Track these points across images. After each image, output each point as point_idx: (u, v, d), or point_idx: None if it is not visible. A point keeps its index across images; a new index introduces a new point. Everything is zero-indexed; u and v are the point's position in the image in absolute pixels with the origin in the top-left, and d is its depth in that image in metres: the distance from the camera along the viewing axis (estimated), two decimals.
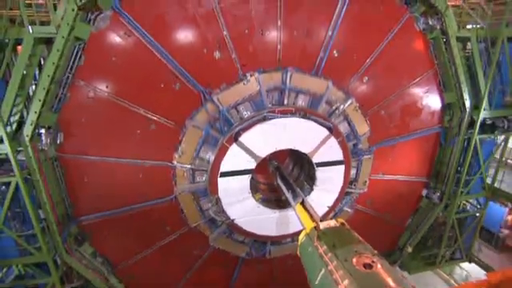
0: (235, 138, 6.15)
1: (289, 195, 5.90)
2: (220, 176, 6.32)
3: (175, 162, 6.43)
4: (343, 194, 7.33)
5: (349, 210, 7.94)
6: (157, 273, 7.44)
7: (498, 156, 9.25)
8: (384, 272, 3.01)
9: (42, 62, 5.96)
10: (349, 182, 7.37)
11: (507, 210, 14.02)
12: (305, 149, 6.66)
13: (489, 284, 4.99)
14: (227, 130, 6.35)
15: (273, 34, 6.23)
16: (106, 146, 6.19)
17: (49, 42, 5.50)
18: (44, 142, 5.59)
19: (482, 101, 7.66)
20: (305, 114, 6.43)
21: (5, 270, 6.37)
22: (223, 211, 6.63)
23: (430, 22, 6.95)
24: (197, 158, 6.49)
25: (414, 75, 7.38)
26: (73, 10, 5.19)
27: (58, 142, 5.87)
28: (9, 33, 5.24)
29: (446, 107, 7.87)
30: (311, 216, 4.53)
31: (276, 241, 7.67)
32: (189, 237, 7.13)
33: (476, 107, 7.79)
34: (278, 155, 6.94)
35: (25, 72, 5.44)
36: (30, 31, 5.21)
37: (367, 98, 7.16)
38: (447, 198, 8.48)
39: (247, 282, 8.20)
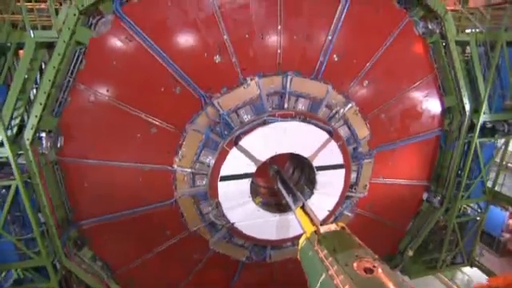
0: (235, 142, 6.16)
1: (289, 199, 5.89)
2: (220, 180, 6.32)
3: (175, 166, 6.43)
4: (344, 197, 7.32)
5: (349, 214, 7.92)
6: (156, 277, 7.40)
7: (498, 160, 9.24)
8: (385, 277, 3.00)
9: (43, 66, 6.00)
10: (349, 186, 7.36)
11: (508, 213, 13.97)
12: (305, 152, 6.66)
13: None
14: (227, 134, 6.36)
15: (273, 39, 6.26)
16: (107, 149, 6.19)
17: (50, 46, 5.53)
18: (44, 145, 5.59)
19: (481, 104, 7.67)
20: (305, 117, 6.44)
21: (4, 274, 6.34)
22: (223, 215, 6.61)
23: (430, 26, 6.99)
24: (197, 162, 6.49)
25: (414, 79, 7.40)
26: (74, 14, 5.22)
27: (59, 145, 5.88)
28: (11, 37, 5.27)
29: (445, 111, 7.89)
30: (311, 220, 4.52)
31: (276, 245, 7.64)
32: (189, 241, 7.10)
33: (476, 111, 7.80)
34: (279, 159, 6.94)
35: (26, 76, 5.46)
36: (32, 35, 5.25)
37: (367, 102, 7.18)
38: (448, 201, 8.46)
39: (247, 286, 8.16)
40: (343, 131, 7.12)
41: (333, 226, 4.07)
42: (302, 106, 6.75)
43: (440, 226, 9.10)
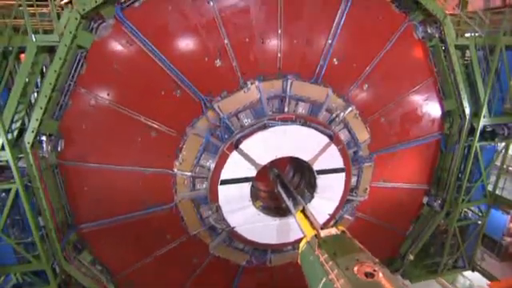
0: (236, 146, 6.16)
1: (289, 203, 5.88)
2: (220, 183, 6.32)
3: (176, 170, 6.43)
4: (344, 201, 7.31)
5: (349, 218, 7.90)
6: (156, 281, 7.37)
7: (498, 163, 9.23)
8: (386, 281, 2.99)
9: (44, 70, 6.02)
10: (349, 190, 7.35)
11: (509, 217, 13.91)
12: (305, 156, 6.66)
13: None
14: (228, 138, 6.37)
15: (273, 43, 6.29)
16: (107, 153, 6.19)
17: (51, 50, 5.56)
18: (45, 149, 5.59)
19: (481, 108, 7.68)
20: (305, 121, 6.46)
21: (2, 277, 6.30)
22: (223, 219, 6.60)
23: (429, 31, 7.03)
24: (197, 166, 6.49)
25: (414, 83, 7.42)
26: (76, 18, 5.25)
27: (59, 149, 5.88)
28: (12, 41, 5.31)
29: (445, 114, 7.90)
30: (312, 224, 4.51)
31: (277, 249, 7.61)
32: (189, 245, 7.08)
33: (476, 114, 7.81)
34: (279, 163, 6.94)
35: (27, 80, 5.48)
36: (33, 39, 5.27)
37: (367, 106, 7.19)
38: (448, 205, 8.44)
39: None
40: (343, 135, 7.13)
41: (333, 230, 4.06)
42: (302, 109, 6.77)
43: (441, 230, 9.07)
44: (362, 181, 7.58)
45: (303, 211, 5.08)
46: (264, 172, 6.98)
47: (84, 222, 6.51)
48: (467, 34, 7.93)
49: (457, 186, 8.36)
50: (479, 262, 10.65)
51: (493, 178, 9.47)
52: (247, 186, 6.50)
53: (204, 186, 6.64)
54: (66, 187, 6.24)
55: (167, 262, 7.19)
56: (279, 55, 6.37)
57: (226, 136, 6.41)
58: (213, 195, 6.45)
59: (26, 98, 5.63)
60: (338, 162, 6.85)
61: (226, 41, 6.02)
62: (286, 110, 6.63)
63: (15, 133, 5.65)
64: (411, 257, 8.71)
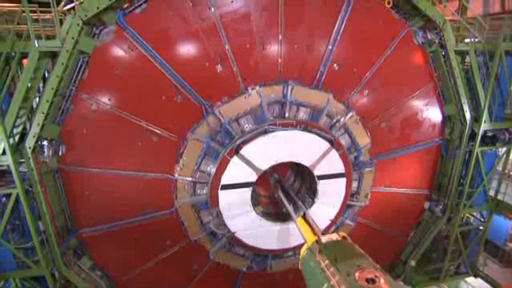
0: (236, 151, 6.16)
1: (290, 208, 5.86)
2: (221, 189, 6.30)
3: (176, 175, 6.43)
4: (345, 206, 7.28)
5: (351, 223, 7.86)
6: (156, 286, 7.32)
7: (500, 168, 9.20)
8: (387, 287, 2.96)
9: (47, 75, 6.05)
10: (350, 195, 7.32)
11: None
12: (306, 161, 6.65)
13: None
14: (228, 143, 6.37)
15: (274, 48, 6.33)
16: (108, 158, 6.20)
17: (54, 55, 5.61)
18: (46, 154, 5.61)
19: (482, 113, 7.69)
20: (306, 126, 6.45)
21: (2, 283, 6.27)
22: (224, 224, 6.57)
23: (429, 36, 7.07)
24: (198, 171, 6.48)
25: (414, 88, 7.44)
26: (78, 24, 5.31)
27: (60, 154, 5.89)
28: (15, 46, 5.36)
29: (446, 120, 7.90)
30: (313, 229, 4.50)
31: (277, 254, 7.57)
32: (189, 250, 7.05)
33: (476, 120, 7.82)
34: (280, 168, 6.93)
35: (29, 84, 5.52)
36: (36, 45, 5.32)
37: (368, 111, 7.20)
38: (450, 210, 8.40)
39: None
40: (344, 140, 7.12)
41: (334, 236, 4.04)
42: (302, 114, 6.78)
43: (443, 236, 9.01)
44: (363, 186, 7.56)
45: (304, 217, 5.06)
46: (265, 177, 6.97)
47: (84, 226, 6.49)
48: (467, 40, 7.97)
49: (458, 191, 8.32)
50: (482, 268, 10.54)
51: (494, 184, 9.44)
52: (248, 192, 6.48)
53: (204, 191, 6.63)
54: (67, 192, 6.24)
55: (167, 267, 7.15)
56: (280, 61, 6.40)
57: (227, 141, 6.41)
58: (213, 200, 6.44)
59: (28, 102, 5.66)
60: (339, 167, 6.83)
61: (226, 46, 6.06)
62: (286, 115, 6.64)
63: (17, 137, 5.67)
64: (413, 263, 8.63)
